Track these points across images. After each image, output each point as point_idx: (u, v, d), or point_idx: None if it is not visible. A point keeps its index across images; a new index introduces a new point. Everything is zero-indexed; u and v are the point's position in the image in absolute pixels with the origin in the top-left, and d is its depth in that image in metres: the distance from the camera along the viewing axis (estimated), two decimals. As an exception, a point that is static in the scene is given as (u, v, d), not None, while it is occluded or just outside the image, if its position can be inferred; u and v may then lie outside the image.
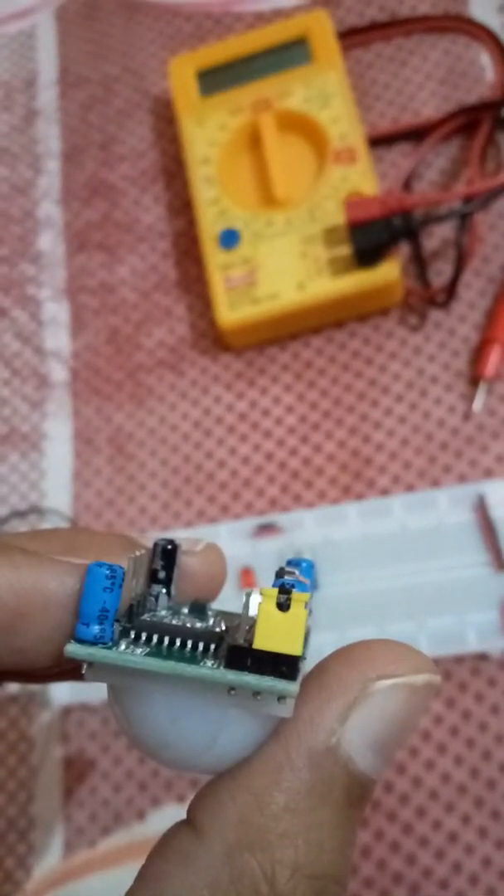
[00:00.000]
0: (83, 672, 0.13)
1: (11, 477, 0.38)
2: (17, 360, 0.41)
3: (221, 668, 0.13)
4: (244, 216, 0.37)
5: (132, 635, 0.13)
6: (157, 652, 0.13)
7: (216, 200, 0.37)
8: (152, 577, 0.16)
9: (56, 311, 0.41)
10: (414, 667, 0.14)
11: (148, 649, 0.13)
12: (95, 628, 0.13)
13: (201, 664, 0.13)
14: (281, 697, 0.13)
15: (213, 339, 0.38)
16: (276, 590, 0.13)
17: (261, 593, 0.13)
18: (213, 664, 0.13)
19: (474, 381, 0.35)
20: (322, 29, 0.39)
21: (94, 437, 0.38)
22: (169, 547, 0.16)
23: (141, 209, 0.42)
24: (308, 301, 0.35)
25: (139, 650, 0.13)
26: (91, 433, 0.38)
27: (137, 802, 0.32)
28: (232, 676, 0.13)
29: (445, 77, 0.40)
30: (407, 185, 0.38)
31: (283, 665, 0.12)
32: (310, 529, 0.33)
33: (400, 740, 0.14)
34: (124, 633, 0.14)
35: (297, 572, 0.14)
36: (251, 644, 0.13)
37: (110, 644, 0.13)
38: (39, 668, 0.14)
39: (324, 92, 0.37)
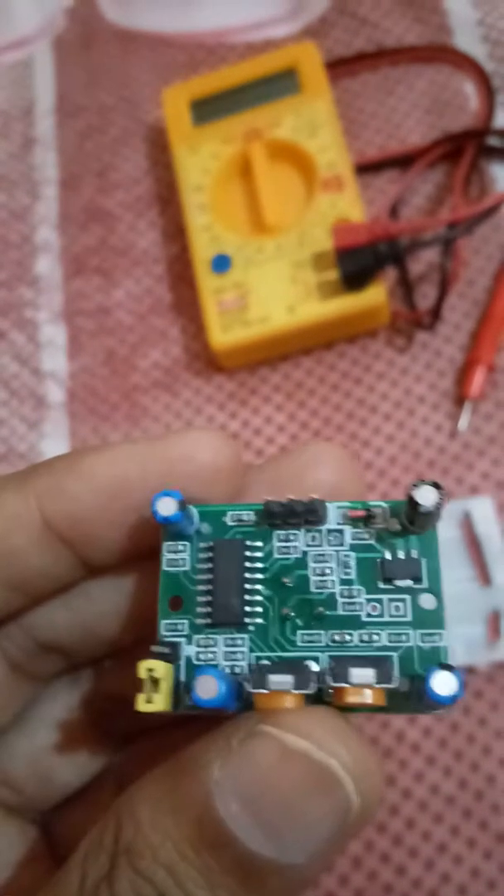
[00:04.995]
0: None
1: (10, 496, 0.39)
2: (15, 381, 0.42)
3: None
4: (236, 242, 0.38)
5: None
6: None
7: (209, 227, 0.38)
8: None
9: (53, 334, 0.42)
10: (318, 733, 0.10)
11: None
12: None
13: None
14: None
15: (206, 361, 0.39)
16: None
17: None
18: None
19: (460, 400, 0.36)
20: (310, 59, 0.40)
21: (91, 457, 0.39)
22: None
23: (136, 234, 0.43)
24: (298, 323, 0.36)
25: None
26: (87, 453, 0.39)
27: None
28: None
29: (431, 106, 0.41)
30: (394, 210, 0.39)
31: None
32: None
33: (285, 820, 0.09)
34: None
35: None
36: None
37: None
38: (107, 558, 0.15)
39: (312, 121, 0.39)
